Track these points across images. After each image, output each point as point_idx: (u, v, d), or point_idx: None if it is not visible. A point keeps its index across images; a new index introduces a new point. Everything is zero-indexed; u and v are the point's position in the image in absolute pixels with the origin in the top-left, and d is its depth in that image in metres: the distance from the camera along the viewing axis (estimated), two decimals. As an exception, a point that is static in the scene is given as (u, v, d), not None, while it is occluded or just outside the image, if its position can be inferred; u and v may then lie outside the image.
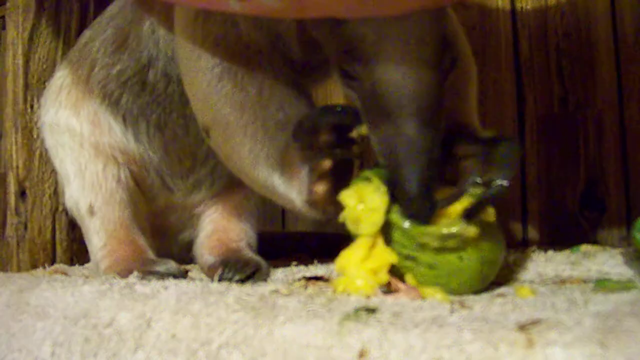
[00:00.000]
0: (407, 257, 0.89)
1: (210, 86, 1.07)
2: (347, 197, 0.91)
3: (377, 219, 0.88)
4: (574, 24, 1.85)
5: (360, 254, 0.88)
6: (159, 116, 1.35)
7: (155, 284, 0.97)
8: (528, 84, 1.90)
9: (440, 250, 0.87)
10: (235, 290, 0.88)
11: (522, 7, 1.92)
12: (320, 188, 0.98)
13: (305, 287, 0.90)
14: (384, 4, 0.82)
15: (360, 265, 0.87)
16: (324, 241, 1.74)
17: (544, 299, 0.79)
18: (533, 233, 1.90)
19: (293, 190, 1.01)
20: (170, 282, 0.98)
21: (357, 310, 0.74)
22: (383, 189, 0.90)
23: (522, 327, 0.63)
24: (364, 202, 0.89)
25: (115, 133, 1.37)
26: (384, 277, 0.86)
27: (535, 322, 0.64)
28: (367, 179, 0.92)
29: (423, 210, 0.87)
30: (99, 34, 1.40)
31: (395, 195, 0.89)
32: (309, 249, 1.62)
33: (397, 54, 0.87)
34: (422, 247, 0.88)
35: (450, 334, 0.64)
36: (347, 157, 0.97)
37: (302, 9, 0.85)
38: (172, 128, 1.35)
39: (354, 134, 0.95)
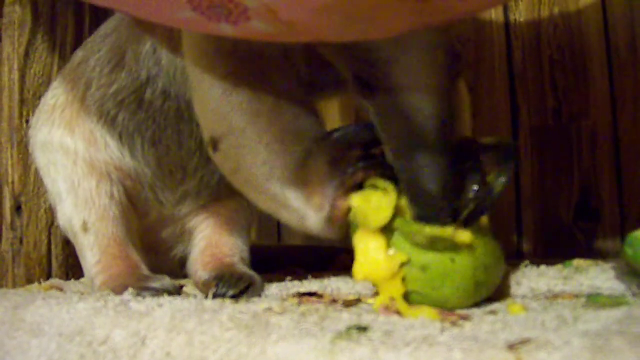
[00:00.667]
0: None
1: (224, 95, 1.07)
2: (356, 198, 0.94)
3: (386, 213, 0.90)
4: (567, 36, 1.87)
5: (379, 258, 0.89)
6: (154, 132, 1.36)
7: (150, 301, 0.97)
8: (522, 95, 1.91)
9: (432, 250, 0.89)
10: (229, 309, 0.88)
11: (515, 20, 1.93)
12: (343, 202, 0.98)
13: (299, 304, 0.91)
14: (373, 29, 0.83)
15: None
16: (319, 255, 1.75)
17: (535, 315, 0.80)
18: (527, 244, 1.91)
19: (311, 207, 1.00)
20: (165, 300, 0.99)
21: (349, 329, 0.74)
22: (391, 187, 0.92)
23: (512, 347, 0.64)
24: (373, 201, 0.92)
25: (111, 150, 1.38)
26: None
27: (524, 342, 0.65)
28: (374, 187, 0.95)
29: (445, 210, 0.89)
30: (93, 53, 1.41)
31: (415, 201, 0.91)
32: (304, 263, 1.63)
33: (415, 63, 0.91)
34: (416, 246, 0.90)
35: (441, 353, 0.65)
36: (378, 172, 0.97)
37: (294, 34, 0.86)
38: (166, 143, 1.36)
39: (377, 150, 0.97)
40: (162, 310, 0.90)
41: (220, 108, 1.08)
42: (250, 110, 1.06)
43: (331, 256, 1.67)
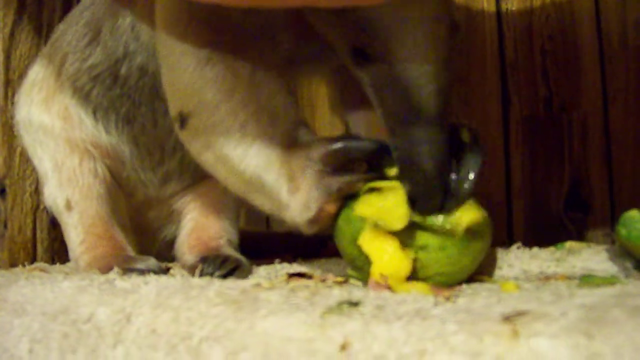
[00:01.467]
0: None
1: (198, 67, 1.02)
2: (364, 203, 0.91)
3: (403, 211, 0.89)
4: (559, 26, 1.86)
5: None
6: (128, 109, 1.33)
7: (135, 279, 0.95)
8: (513, 85, 1.90)
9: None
10: (217, 285, 0.86)
11: (507, 9, 1.92)
12: (332, 207, 0.96)
13: (287, 282, 0.89)
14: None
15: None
16: (310, 241, 1.73)
17: (529, 293, 0.79)
18: (518, 234, 1.90)
19: (295, 202, 0.97)
20: (151, 278, 0.97)
21: (339, 304, 0.73)
22: (397, 184, 0.91)
23: (507, 319, 0.62)
24: (385, 200, 0.90)
25: (86, 126, 1.35)
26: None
27: (520, 314, 0.63)
28: (373, 190, 0.93)
29: (438, 189, 0.89)
30: (70, 26, 1.39)
31: (408, 178, 0.90)
32: (294, 249, 1.61)
33: (416, 34, 0.89)
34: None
35: (434, 326, 0.63)
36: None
37: None
38: (141, 121, 1.34)
39: (391, 172, 0.94)
40: (148, 288, 0.88)
41: (193, 81, 1.03)
42: (225, 85, 1.01)
43: (322, 242, 1.65)
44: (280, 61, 1.10)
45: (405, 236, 0.89)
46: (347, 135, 1.04)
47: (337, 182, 0.94)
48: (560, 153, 1.84)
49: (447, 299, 0.73)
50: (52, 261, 1.55)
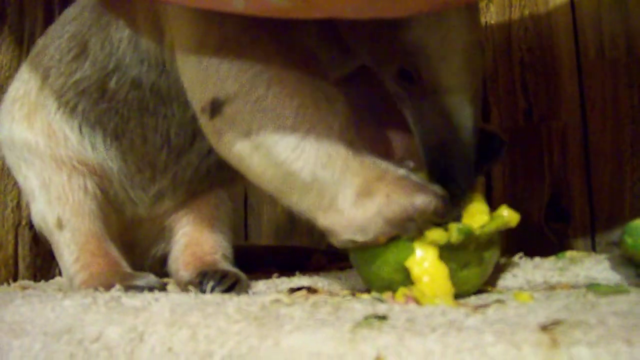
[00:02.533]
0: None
1: (244, 50, 0.95)
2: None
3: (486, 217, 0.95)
4: (537, 38, 1.89)
5: None
6: (117, 124, 1.30)
7: (144, 295, 0.93)
8: (493, 97, 1.92)
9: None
10: (234, 301, 0.84)
11: (486, 22, 1.94)
12: (384, 239, 0.92)
13: (306, 298, 0.88)
14: (393, 4, 0.81)
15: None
16: (294, 254, 1.72)
17: (549, 303, 0.79)
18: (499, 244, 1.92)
19: (354, 214, 0.89)
20: (161, 294, 0.94)
21: (367, 318, 0.72)
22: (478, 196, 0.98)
23: (545, 328, 0.62)
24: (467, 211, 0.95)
25: (71, 143, 1.32)
26: None
27: (556, 323, 0.63)
28: None
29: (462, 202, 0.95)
30: (53, 40, 1.35)
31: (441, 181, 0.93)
32: (278, 263, 1.60)
33: (461, 58, 0.94)
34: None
35: (471, 337, 0.62)
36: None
37: (310, 8, 0.83)
38: (130, 137, 1.31)
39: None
40: (160, 304, 0.86)
41: (236, 65, 0.95)
42: (279, 61, 0.94)
43: (307, 255, 1.64)
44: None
45: (450, 256, 0.90)
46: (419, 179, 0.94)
47: (412, 225, 0.88)
48: (540, 164, 1.87)
49: (476, 310, 0.73)
50: (34, 278, 1.50)
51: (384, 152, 1.17)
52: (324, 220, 0.92)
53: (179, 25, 1.07)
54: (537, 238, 1.87)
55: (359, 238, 0.90)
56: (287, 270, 1.37)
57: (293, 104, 0.91)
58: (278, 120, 0.91)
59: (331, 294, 0.98)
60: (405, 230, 0.88)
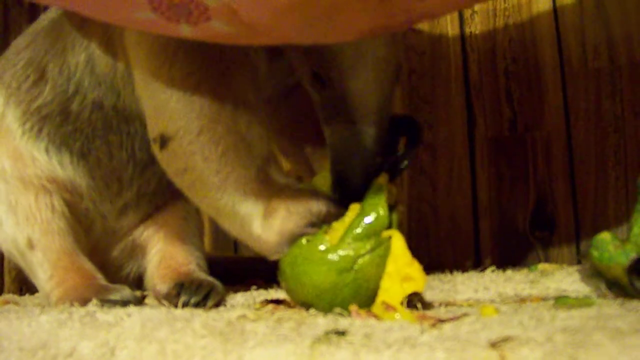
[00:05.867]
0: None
1: (185, 95, 1.06)
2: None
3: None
4: (521, 48, 1.91)
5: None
6: (82, 144, 1.33)
7: (117, 311, 0.94)
8: (478, 107, 1.94)
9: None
10: (202, 316, 0.86)
11: (471, 32, 1.96)
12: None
13: (272, 312, 0.90)
14: (332, 31, 0.84)
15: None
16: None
17: (510, 316, 0.80)
18: (485, 253, 1.93)
19: (271, 228, 1.02)
20: (133, 309, 0.96)
21: (327, 333, 0.73)
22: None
23: (494, 345, 0.64)
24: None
25: (39, 163, 1.33)
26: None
27: (506, 339, 0.65)
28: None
29: (358, 195, 0.98)
30: (8, 68, 1.37)
31: (340, 186, 1.02)
32: (264, 274, 1.61)
33: (370, 69, 1.00)
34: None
35: (424, 353, 0.64)
36: None
37: (254, 35, 0.86)
38: (96, 155, 1.34)
39: None
40: (131, 320, 0.88)
41: (178, 107, 1.06)
42: (209, 114, 1.05)
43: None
44: (255, 86, 1.13)
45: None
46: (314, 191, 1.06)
47: (313, 230, 0.99)
48: (525, 172, 1.89)
49: (433, 325, 0.74)
50: (20, 291, 1.52)
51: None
52: (253, 246, 1.07)
53: (136, 54, 1.13)
54: (522, 246, 1.88)
55: (277, 255, 1.02)
56: (272, 282, 1.39)
57: (218, 150, 1.05)
58: (205, 162, 1.05)
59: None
60: (307, 234, 0.98)
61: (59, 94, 1.30)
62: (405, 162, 1.08)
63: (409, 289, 0.87)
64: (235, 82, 1.08)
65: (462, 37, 1.97)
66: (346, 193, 1.00)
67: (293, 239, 0.98)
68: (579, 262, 1.80)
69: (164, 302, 1.28)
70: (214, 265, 1.45)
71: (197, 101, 1.05)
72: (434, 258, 1.95)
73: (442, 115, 1.97)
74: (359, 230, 0.90)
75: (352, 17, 0.83)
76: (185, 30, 0.89)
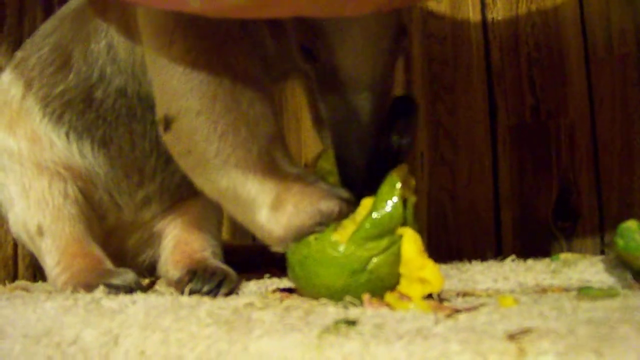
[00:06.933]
0: None
1: (184, 73, 1.03)
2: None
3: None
4: (544, 34, 1.86)
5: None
6: (105, 132, 1.31)
7: (123, 298, 0.92)
8: (500, 93, 1.89)
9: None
10: (207, 304, 0.84)
11: (493, 18, 1.91)
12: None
13: (281, 300, 0.86)
14: (351, 4, 0.80)
15: None
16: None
17: (530, 307, 0.76)
18: (507, 243, 1.89)
19: (278, 222, 0.97)
20: (139, 296, 0.94)
21: (336, 323, 0.70)
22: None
23: (512, 337, 0.60)
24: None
25: (57, 148, 1.32)
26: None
27: (525, 331, 0.61)
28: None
29: (367, 189, 0.94)
30: (33, 52, 1.36)
31: (342, 167, 0.99)
32: (281, 262, 1.58)
33: (358, 42, 0.95)
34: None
35: (437, 345, 0.61)
36: None
37: (267, 6, 0.82)
38: (118, 143, 1.32)
39: None
40: (136, 307, 0.85)
41: (179, 86, 1.04)
42: (207, 92, 1.02)
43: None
44: (262, 63, 1.11)
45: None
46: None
47: (322, 229, 0.94)
48: (548, 161, 1.84)
49: (448, 316, 0.71)
50: (34, 278, 1.51)
51: None
52: (255, 232, 1.04)
53: (145, 36, 1.11)
54: (545, 237, 1.83)
55: (280, 249, 0.99)
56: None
57: (217, 130, 1.01)
58: (205, 143, 1.02)
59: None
60: (315, 232, 0.93)
61: (83, 80, 1.29)
62: (405, 142, 1.02)
63: (425, 290, 0.83)
64: (233, 56, 1.04)
65: (484, 22, 1.92)
66: (350, 176, 0.97)
67: (299, 236, 0.94)
68: (602, 253, 1.75)
69: (175, 288, 1.26)
70: (231, 254, 1.42)
71: (196, 78, 1.02)
72: (454, 249, 1.91)
73: (463, 102, 1.92)
74: (371, 228, 0.85)
75: None
76: (195, 3, 0.85)
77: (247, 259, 1.60)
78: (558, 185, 1.82)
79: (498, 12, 1.91)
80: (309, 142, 2.15)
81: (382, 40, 0.97)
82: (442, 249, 1.90)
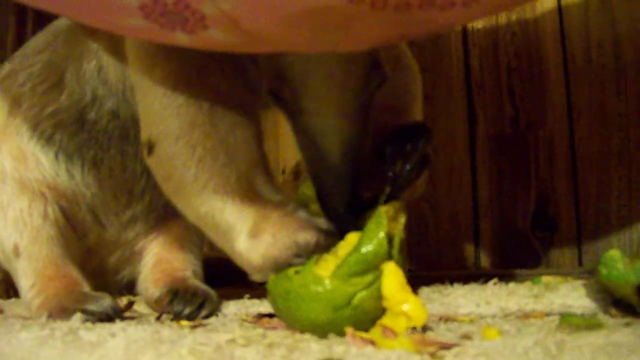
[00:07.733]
0: None
1: (165, 97, 1.02)
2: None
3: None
4: (524, 44, 1.86)
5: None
6: (96, 153, 1.29)
7: (101, 330, 0.90)
8: (479, 103, 1.90)
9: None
10: (189, 339, 0.82)
11: (472, 27, 1.91)
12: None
13: (263, 332, 0.85)
14: (345, 40, 0.78)
15: None
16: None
17: (514, 342, 0.76)
18: (485, 253, 1.90)
19: (256, 250, 0.95)
20: (118, 327, 0.92)
21: (321, 363, 0.69)
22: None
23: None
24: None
25: (44, 168, 1.29)
26: None
27: (512, 378, 0.60)
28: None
29: (347, 224, 0.92)
30: (23, 68, 1.32)
31: (323, 208, 0.96)
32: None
33: (322, 88, 0.93)
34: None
35: (424, 391, 0.60)
36: None
37: (258, 44, 0.80)
38: (109, 165, 1.30)
39: None
40: (115, 341, 0.83)
41: (160, 110, 1.03)
42: (187, 117, 1.01)
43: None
44: (246, 88, 1.08)
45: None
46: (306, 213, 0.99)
47: (300, 260, 0.92)
48: (527, 171, 1.85)
49: (432, 355, 0.70)
50: (7, 295, 1.47)
51: None
52: (234, 260, 1.01)
53: (130, 59, 1.10)
54: (523, 247, 1.84)
55: (258, 279, 0.97)
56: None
57: (195, 156, 1.00)
58: (184, 168, 1.00)
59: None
60: (292, 264, 0.91)
61: (75, 101, 1.26)
62: (406, 171, 1.00)
63: (409, 324, 0.82)
64: (215, 81, 1.03)
65: (464, 32, 1.93)
66: (329, 210, 0.95)
67: (277, 267, 0.92)
68: (579, 264, 1.77)
69: (155, 307, 1.24)
70: (209, 266, 1.41)
71: (174, 102, 1.01)
72: (434, 258, 1.91)
73: (443, 111, 1.92)
74: (356, 265, 0.84)
75: (367, 27, 0.77)
76: (182, 38, 0.84)
77: (225, 271, 1.58)
78: (536, 195, 1.83)
79: (478, 21, 1.91)
80: (288, 147, 2.13)
81: (349, 81, 0.94)
82: (421, 257, 1.91)
